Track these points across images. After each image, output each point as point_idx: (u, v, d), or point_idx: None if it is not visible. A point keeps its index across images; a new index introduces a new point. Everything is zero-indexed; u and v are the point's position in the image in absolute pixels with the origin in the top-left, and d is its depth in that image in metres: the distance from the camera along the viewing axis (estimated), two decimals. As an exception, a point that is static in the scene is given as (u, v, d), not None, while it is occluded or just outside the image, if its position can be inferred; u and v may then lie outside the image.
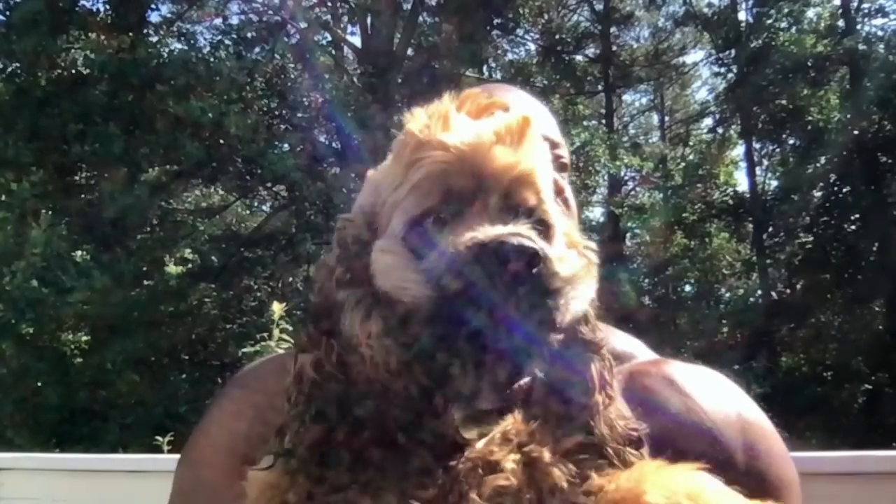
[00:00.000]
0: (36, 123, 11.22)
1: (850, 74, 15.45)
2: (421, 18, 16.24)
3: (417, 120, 0.68)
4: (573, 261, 0.65)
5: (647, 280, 18.23)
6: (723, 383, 0.95)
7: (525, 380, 0.65)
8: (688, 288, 19.13)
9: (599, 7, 18.96)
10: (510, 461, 0.60)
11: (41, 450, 8.46)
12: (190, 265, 13.22)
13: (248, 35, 13.41)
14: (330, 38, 16.31)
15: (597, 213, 19.61)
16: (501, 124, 0.65)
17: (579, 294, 0.65)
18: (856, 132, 14.43)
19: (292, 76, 13.54)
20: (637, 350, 1.01)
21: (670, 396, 0.91)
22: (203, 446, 0.97)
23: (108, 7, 13.11)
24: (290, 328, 3.57)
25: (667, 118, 23.48)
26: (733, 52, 16.99)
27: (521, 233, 0.59)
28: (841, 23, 16.37)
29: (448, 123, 0.65)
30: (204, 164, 12.48)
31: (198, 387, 11.30)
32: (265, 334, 3.65)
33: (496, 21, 16.90)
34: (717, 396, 0.92)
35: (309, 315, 0.68)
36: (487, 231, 0.59)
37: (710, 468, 0.86)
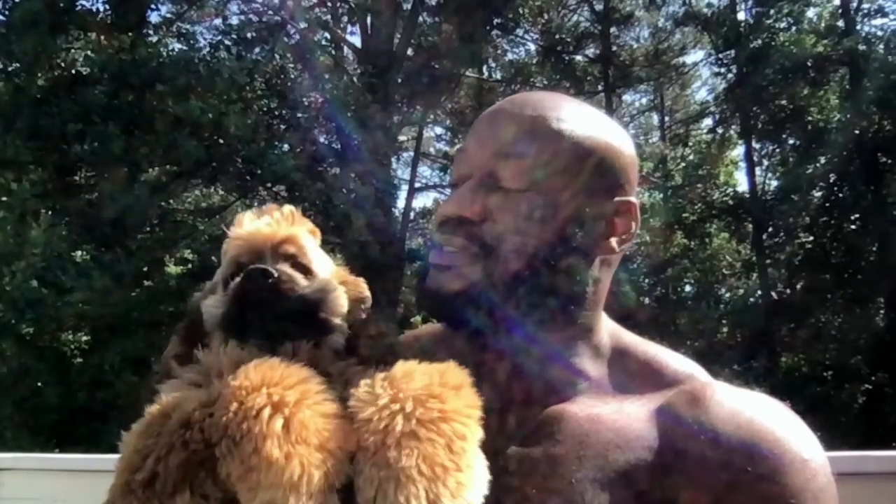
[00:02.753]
0: (35, 123, 11.22)
1: (850, 74, 15.45)
2: (421, 18, 16.24)
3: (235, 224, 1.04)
4: (320, 282, 0.99)
5: (647, 280, 18.23)
6: (754, 400, 0.93)
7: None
8: (688, 288, 19.14)
9: (599, 7, 18.97)
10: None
11: (41, 450, 8.46)
12: (190, 265, 13.21)
13: (248, 35, 13.41)
14: (330, 38, 16.32)
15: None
16: (273, 216, 1.03)
17: (321, 296, 0.97)
18: (856, 132, 14.44)
19: (292, 76, 13.52)
20: (696, 371, 1.01)
21: (687, 410, 0.91)
22: None
23: (107, 7, 13.10)
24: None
25: (667, 118, 23.49)
26: (733, 52, 16.99)
27: (265, 266, 0.95)
28: (841, 23, 16.38)
29: (240, 223, 1.02)
30: (204, 164, 12.47)
31: (198, 387, 11.27)
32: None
33: (496, 21, 16.90)
34: (732, 405, 0.90)
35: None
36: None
37: (710, 467, 0.87)
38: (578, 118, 1.01)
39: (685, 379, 0.98)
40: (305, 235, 1.04)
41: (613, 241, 1.01)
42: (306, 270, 0.99)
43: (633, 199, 1.02)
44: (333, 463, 0.79)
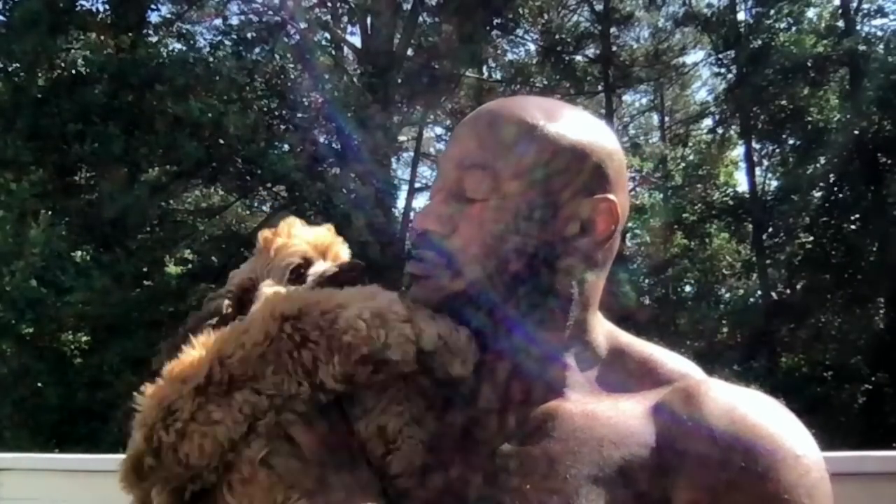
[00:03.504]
0: (35, 123, 11.22)
1: (850, 74, 15.45)
2: (421, 19, 16.25)
3: (268, 233, 1.10)
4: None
5: (647, 280, 18.25)
6: (748, 396, 0.93)
7: None
8: (688, 288, 19.14)
9: (599, 7, 18.96)
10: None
11: (41, 450, 8.47)
12: (190, 265, 13.23)
13: (248, 35, 13.41)
14: (330, 39, 16.32)
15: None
16: (320, 229, 1.12)
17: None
18: (856, 132, 14.43)
19: (292, 76, 13.53)
20: (691, 370, 1.01)
21: (679, 404, 0.91)
22: None
23: (107, 7, 13.11)
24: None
25: (667, 118, 23.50)
26: (733, 52, 16.99)
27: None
28: (841, 23, 16.38)
29: (291, 232, 1.09)
30: (204, 164, 12.48)
31: (198, 387, 11.27)
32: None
33: (496, 21, 16.91)
34: (726, 401, 0.90)
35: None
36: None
37: (707, 465, 0.87)
38: (564, 118, 1.01)
39: (680, 377, 0.98)
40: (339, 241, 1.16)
41: (588, 240, 1.00)
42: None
43: (611, 196, 1.00)
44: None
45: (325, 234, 1.09)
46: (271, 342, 0.85)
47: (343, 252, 1.10)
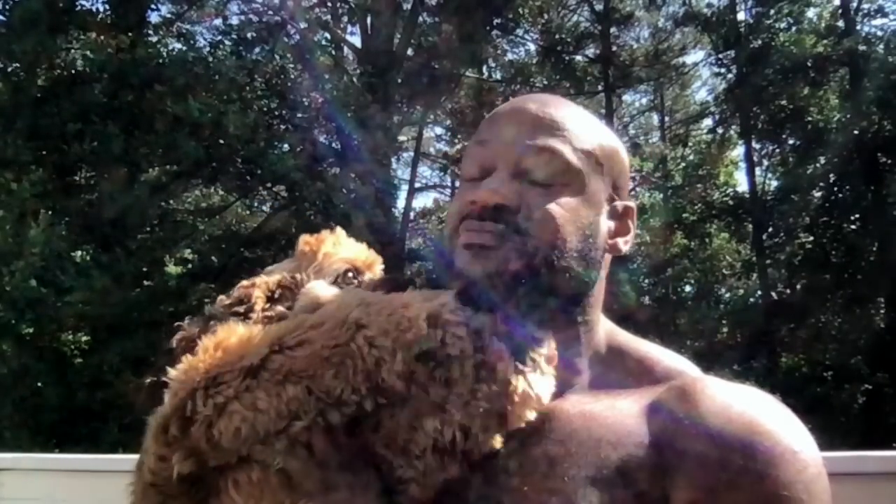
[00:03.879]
0: (35, 123, 11.22)
1: (850, 74, 15.45)
2: (421, 18, 16.25)
3: (311, 238, 1.12)
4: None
5: (647, 280, 18.23)
6: (744, 393, 0.93)
7: None
8: (688, 288, 19.13)
9: (599, 7, 18.96)
10: None
11: (41, 450, 8.47)
12: (190, 265, 13.22)
13: (248, 35, 13.41)
14: (330, 39, 16.32)
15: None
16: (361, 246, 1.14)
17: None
18: (856, 132, 14.43)
19: (292, 76, 13.53)
20: (686, 367, 1.02)
21: (679, 404, 0.91)
22: None
23: (107, 7, 13.11)
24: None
25: (667, 118, 23.49)
26: (733, 52, 16.99)
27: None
28: (841, 23, 16.38)
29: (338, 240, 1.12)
30: (203, 164, 12.47)
31: (198, 387, 11.27)
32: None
33: (496, 21, 16.91)
34: (723, 399, 0.91)
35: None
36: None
37: (705, 464, 0.87)
38: (594, 121, 1.06)
39: (676, 374, 0.99)
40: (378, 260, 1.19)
41: (620, 241, 1.05)
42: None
43: (631, 203, 1.08)
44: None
45: (367, 251, 1.12)
46: (337, 346, 0.84)
47: (380, 271, 1.11)
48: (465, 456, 0.87)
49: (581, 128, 1.03)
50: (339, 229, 1.14)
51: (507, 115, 1.05)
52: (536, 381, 0.89)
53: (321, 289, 1.01)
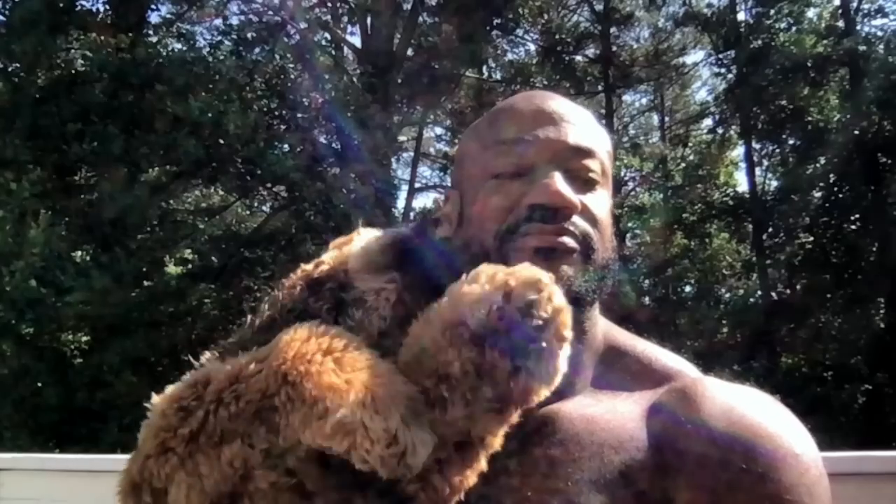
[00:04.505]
0: (35, 123, 11.21)
1: (850, 74, 15.45)
2: (421, 18, 16.24)
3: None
4: None
5: (647, 280, 18.23)
6: (744, 394, 0.93)
7: None
8: (688, 288, 19.14)
9: (599, 7, 18.97)
10: None
11: (41, 450, 8.46)
12: (190, 265, 13.21)
13: (248, 35, 13.40)
14: (330, 39, 16.32)
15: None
16: None
17: None
18: (856, 132, 14.43)
19: (292, 76, 13.52)
20: (685, 367, 1.02)
21: (679, 406, 0.91)
22: None
23: (107, 7, 13.11)
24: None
25: (667, 118, 23.48)
26: (733, 52, 16.99)
27: None
28: (841, 23, 16.37)
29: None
30: (203, 164, 12.47)
31: (197, 387, 11.26)
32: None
33: (496, 21, 16.90)
34: (723, 401, 0.91)
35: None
36: None
37: (708, 466, 0.87)
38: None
39: (675, 375, 0.99)
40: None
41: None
42: None
43: None
44: (395, 387, 0.81)
45: None
46: (265, 398, 0.81)
47: None
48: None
49: (599, 129, 1.05)
50: (360, 226, 1.12)
51: (539, 113, 1.04)
52: (536, 381, 0.89)
53: (365, 242, 1.01)
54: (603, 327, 1.06)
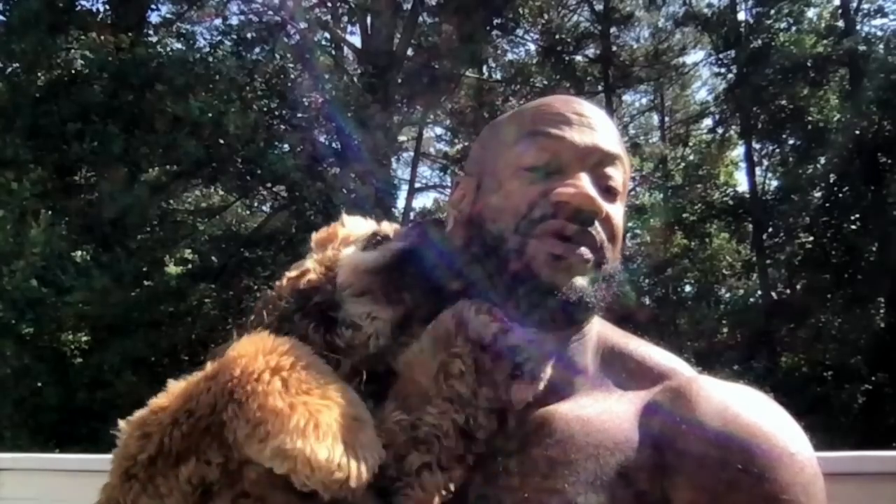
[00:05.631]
0: (35, 122, 11.21)
1: (850, 74, 15.44)
2: (421, 18, 16.23)
3: (319, 232, 1.10)
4: None
5: (647, 280, 18.23)
6: (739, 393, 0.93)
7: None
8: (688, 288, 19.14)
9: (599, 7, 18.96)
10: None
11: (41, 450, 8.46)
12: (190, 265, 13.20)
13: (248, 35, 13.40)
14: (330, 38, 16.31)
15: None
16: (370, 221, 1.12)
17: None
18: (856, 132, 14.43)
19: (292, 76, 13.51)
20: (679, 366, 1.02)
21: (672, 404, 0.91)
22: None
23: (107, 7, 13.11)
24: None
25: (667, 118, 23.48)
26: (733, 52, 16.98)
27: None
28: (841, 23, 16.37)
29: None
30: (203, 164, 12.46)
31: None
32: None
33: (496, 21, 16.89)
34: (718, 400, 0.91)
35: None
36: None
37: (699, 466, 0.87)
38: None
39: (669, 374, 0.99)
40: None
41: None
42: None
43: None
44: (339, 410, 0.81)
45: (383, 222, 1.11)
46: (213, 413, 0.83)
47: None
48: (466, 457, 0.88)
49: (620, 138, 1.06)
50: (343, 215, 1.13)
51: (577, 115, 1.03)
52: (532, 383, 0.90)
53: (355, 256, 1.01)
54: (598, 327, 1.06)
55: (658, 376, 0.98)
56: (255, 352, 0.85)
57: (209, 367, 0.89)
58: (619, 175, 1.01)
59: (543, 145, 1.00)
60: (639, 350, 1.04)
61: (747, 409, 0.90)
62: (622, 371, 1.00)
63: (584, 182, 0.96)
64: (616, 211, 1.00)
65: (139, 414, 0.91)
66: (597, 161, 0.99)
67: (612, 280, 1.00)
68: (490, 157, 1.07)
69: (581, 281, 0.95)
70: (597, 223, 0.97)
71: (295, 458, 0.77)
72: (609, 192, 1.00)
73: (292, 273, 1.03)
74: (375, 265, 0.99)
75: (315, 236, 1.11)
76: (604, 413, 0.94)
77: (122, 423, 0.92)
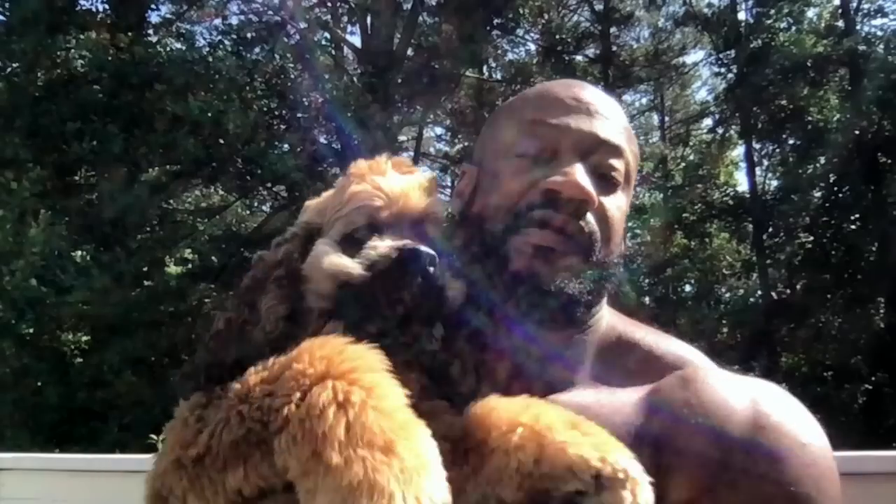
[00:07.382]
0: (35, 122, 11.21)
1: (850, 74, 15.44)
2: (421, 18, 16.23)
3: (359, 167, 1.01)
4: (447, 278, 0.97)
5: (647, 280, 18.22)
6: (748, 384, 0.92)
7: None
8: (688, 288, 19.13)
9: (599, 7, 18.96)
10: None
11: (41, 450, 8.45)
12: (190, 265, 13.20)
13: (248, 35, 13.40)
14: (330, 38, 16.30)
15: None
16: (415, 180, 0.98)
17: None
18: (856, 132, 14.42)
19: (292, 76, 13.51)
20: (689, 355, 1.01)
21: (678, 396, 0.91)
22: None
23: (107, 7, 13.10)
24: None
25: (667, 118, 23.47)
26: (733, 52, 16.98)
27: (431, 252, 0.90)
28: (841, 23, 16.37)
29: (382, 172, 0.99)
30: (203, 163, 12.47)
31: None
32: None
33: (496, 21, 16.88)
34: (726, 389, 0.89)
35: (241, 289, 0.99)
36: (402, 242, 0.92)
37: (708, 467, 0.86)
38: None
39: (682, 363, 0.97)
40: (442, 213, 1.02)
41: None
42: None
43: None
44: (401, 465, 0.74)
45: (408, 183, 0.98)
46: (256, 428, 0.80)
47: (418, 204, 0.97)
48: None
49: (630, 130, 1.03)
50: (386, 159, 1.02)
51: (575, 101, 1.01)
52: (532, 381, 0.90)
53: (320, 247, 0.96)
54: (609, 320, 1.05)
55: (665, 366, 0.97)
56: (324, 372, 0.79)
57: (277, 361, 0.83)
58: (619, 163, 0.98)
59: (538, 132, 0.99)
60: (646, 340, 1.02)
61: (754, 400, 0.89)
62: (627, 363, 1.00)
63: (577, 170, 0.94)
64: (613, 202, 0.97)
65: (197, 396, 0.88)
66: (594, 148, 0.97)
67: (607, 273, 0.98)
68: (489, 144, 1.06)
69: (564, 272, 0.94)
70: (589, 214, 0.94)
71: None
72: (607, 181, 0.97)
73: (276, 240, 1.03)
74: (349, 280, 0.92)
75: (353, 169, 1.03)
76: (603, 399, 0.93)
77: (183, 403, 0.89)
